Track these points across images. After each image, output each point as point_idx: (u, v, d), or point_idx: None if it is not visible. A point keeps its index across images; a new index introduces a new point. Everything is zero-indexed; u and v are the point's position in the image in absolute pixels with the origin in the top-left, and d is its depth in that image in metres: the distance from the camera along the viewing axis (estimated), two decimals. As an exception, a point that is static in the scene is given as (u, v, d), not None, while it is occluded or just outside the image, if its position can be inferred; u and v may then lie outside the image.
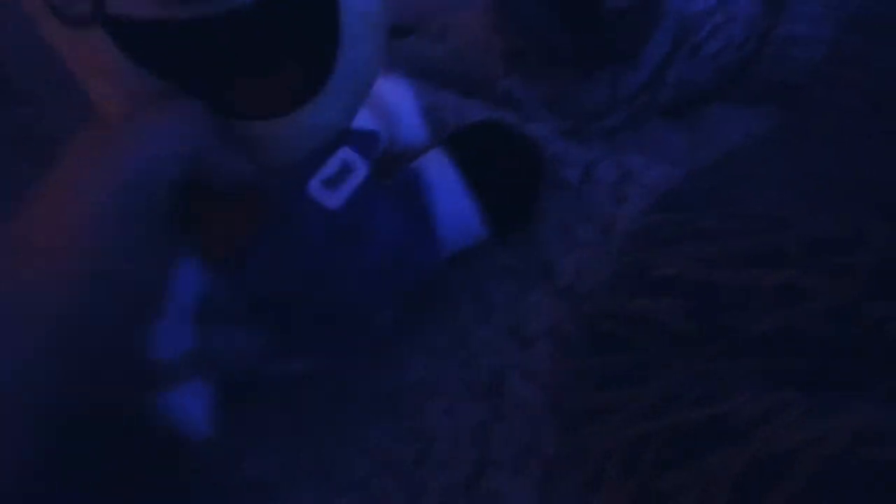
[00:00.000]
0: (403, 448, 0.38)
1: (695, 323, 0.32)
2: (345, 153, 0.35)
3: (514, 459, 0.36)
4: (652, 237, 0.36)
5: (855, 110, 0.47)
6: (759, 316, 0.31)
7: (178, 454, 0.33)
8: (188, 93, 0.28)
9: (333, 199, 0.34)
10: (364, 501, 0.37)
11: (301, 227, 0.34)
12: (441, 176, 0.39)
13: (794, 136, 0.49)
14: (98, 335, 0.26)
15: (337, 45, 0.29)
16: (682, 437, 0.27)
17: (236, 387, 0.37)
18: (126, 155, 0.26)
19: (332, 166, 0.35)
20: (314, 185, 0.34)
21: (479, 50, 0.59)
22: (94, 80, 0.28)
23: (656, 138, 0.53)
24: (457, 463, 0.37)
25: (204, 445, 0.34)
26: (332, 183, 0.34)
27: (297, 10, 0.27)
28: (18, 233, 0.25)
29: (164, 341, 0.32)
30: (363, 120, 0.36)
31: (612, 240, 0.38)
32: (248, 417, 0.38)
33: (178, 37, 0.26)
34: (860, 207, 0.33)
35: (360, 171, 0.35)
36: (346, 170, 0.35)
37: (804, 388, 0.26)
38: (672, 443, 0.27)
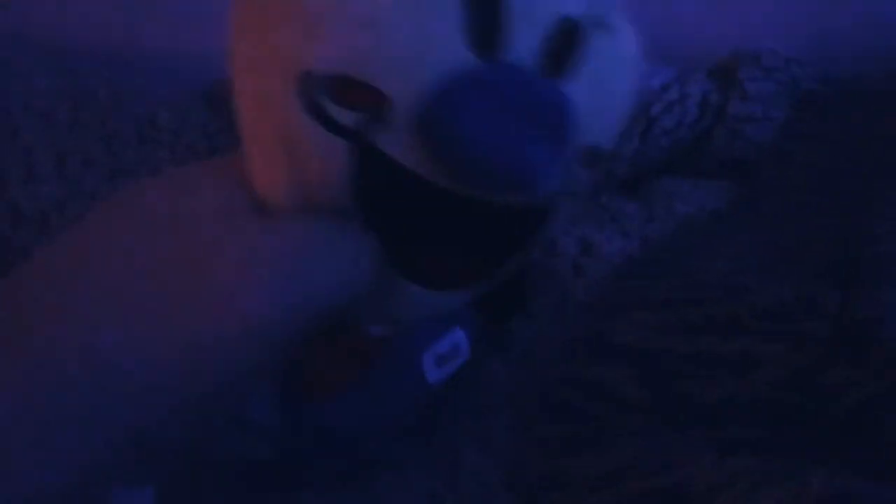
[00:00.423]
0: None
1: (648, 391, 0.32)
2: (457, 335, 0.35)
3: (466, 533, 0.35)
4: (607, 305, 0.36)
5: (805, 185, 0.47)
6: (713, 384, 0.31)
7: None
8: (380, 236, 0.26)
9: (436, 375, 0.34)
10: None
11: (396, 389, 0.34)
12: None
13: (747, 209, 0.49)
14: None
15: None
16: (637, 507, 0.26)
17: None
18: (310, 256, 0.24)
19: (445, 344, 0.34)
20: (427, 358, 0.34)
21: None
22: (286, 184, 0.26)
23: (612, 209, 0.53)
24: (406, 536, 0.35)
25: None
26: (441, 359, 0.34)
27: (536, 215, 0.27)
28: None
29: None
30: None
31: (569, 309, 0.38)
32: (196, 488, 0.36)
33: (421, 195, 0.25)
34: (812, 277, 0.33)
35: (463, 355, 0.35)
36: (454, 351, 0.35)
37: (760, 455, 0.25)
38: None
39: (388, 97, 0.23)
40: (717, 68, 0.61)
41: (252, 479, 0.37)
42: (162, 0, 0.70)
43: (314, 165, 0.25)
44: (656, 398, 0.31)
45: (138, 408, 0.22)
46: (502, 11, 0.23)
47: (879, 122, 0.51)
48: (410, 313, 0.31)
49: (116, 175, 0.52)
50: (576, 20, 0.25)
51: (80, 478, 0.21)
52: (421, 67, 0.23)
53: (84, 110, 0.58)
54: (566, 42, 0.24)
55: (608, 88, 0.26)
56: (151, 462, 0.24)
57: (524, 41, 0.24)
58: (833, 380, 0.28)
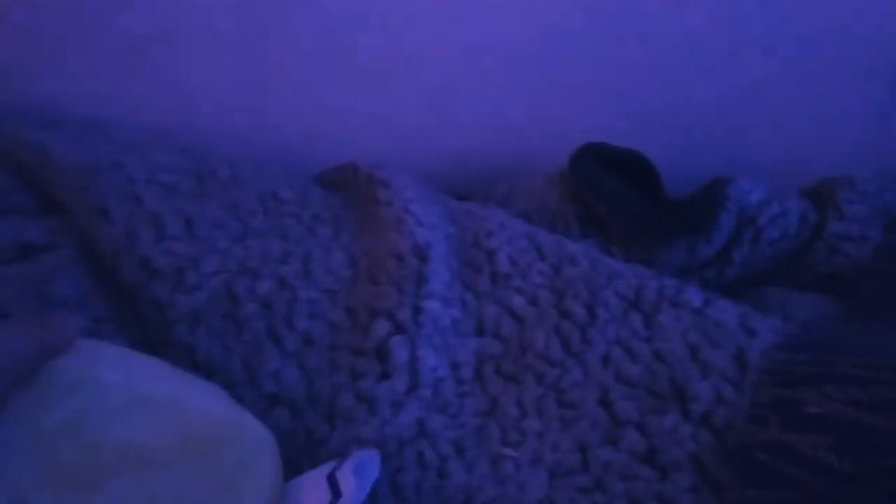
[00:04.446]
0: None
1: (849, 462, 0.32)
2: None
3: None
4: (790, 375, 0.36)
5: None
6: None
7: None
8: None
9: None
10: None
11: None
12: None
13: (865, 316, 0.51)
14: None
15: None
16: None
17: None
18: None
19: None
20: None
21: (547, 213, 0.62)
22: None
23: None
24: None
25: None
26: None
27: None
28: None
29: None
30: None
31: (748, 372, 0.38)
32: None
33: None
34: None
35: None
36: None
37: None
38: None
39: None
40: (810, 190, 0.64)
41: None
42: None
43: None
44: (857, 469, 0.31)
45: None
46: None
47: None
48: None
49: (247, 236, 0.53)
50: None
51: None
52: None
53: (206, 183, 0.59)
54: None
55: None
56: None
57: None
58: None
